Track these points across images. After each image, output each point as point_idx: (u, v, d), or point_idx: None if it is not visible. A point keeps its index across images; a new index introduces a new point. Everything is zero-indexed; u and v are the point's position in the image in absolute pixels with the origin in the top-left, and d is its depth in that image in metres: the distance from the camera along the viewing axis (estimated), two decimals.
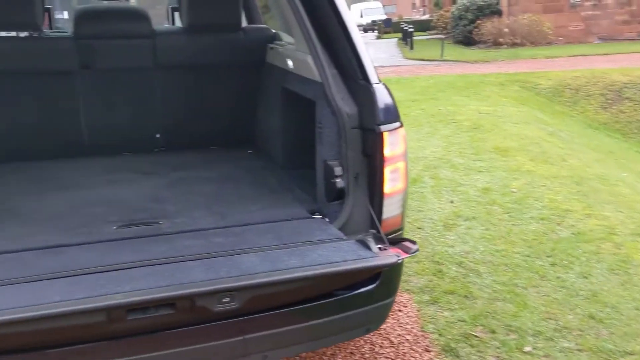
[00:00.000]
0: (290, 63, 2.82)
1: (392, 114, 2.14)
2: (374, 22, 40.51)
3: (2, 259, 1.92)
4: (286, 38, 3.19)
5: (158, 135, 3.42)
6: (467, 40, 20.08)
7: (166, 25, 5.13)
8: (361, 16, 43.83)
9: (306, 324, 1.96)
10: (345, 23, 2.17)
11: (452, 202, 4.78)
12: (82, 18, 3.17)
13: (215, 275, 1.74)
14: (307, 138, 2.51)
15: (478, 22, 19.69)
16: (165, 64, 3.29)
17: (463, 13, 20.58)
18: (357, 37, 2.18)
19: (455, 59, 16.32)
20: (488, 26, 19.01)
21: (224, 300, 1.70)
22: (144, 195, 2.63)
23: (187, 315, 1.72)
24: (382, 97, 2.13)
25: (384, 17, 42.48)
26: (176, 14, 4.06)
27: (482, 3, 20.19)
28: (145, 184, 2.83)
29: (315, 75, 2.31)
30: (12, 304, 1.54)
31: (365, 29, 39.82)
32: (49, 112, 3.16)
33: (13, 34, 3.23)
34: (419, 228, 4.26)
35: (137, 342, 1.75)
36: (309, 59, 2.35)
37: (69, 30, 3.45)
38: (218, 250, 1.96)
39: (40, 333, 1.61)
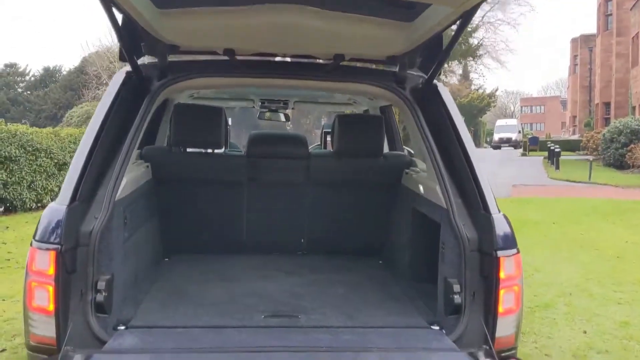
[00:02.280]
0: (421, 188, 3.20)
1: (509, 242, 2.41)
2: (502, 140, 39.69)
3: (175, 332, 2.43)
4: (420, 165, 3.61)
5: (302, 240, 3.94)
6: (619, 164, 19.21)
7: (318, 149, 6.03)
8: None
9: None
10: (471, 160, 2.56)
11: (585, 332, 4.64)
12: (255, 141, 3.90)
13: None
14: (431, 255, 2.82)
15: (632, 146, 18.84)
16: (316, 181, 3.88)
17: (615, 136, 19.89)
18: (481, 172, 2.54)
19: (604, 183, 15.66)
20: None
21: None
22: (286, 291, 3.09)
23: None
24: (501, 226, 2.42)
25: (517, 134, 41.45)
26: (328, 137, 4.76)
27: (636, 127, 19.39)
28: (288, 281, 3.31)
29: (442, 202, 2.66)
30: None
31: (494, 146, 39.11)
32: (221, 213, 3.84)
33: (202, 150, 4.05)
34: (547, 355, 4.20)
35: None
36: (438, 188, 2.72)
37: (242, 150, 4.28)
38: (345, 346, 2.30)
39: None
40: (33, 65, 75.76)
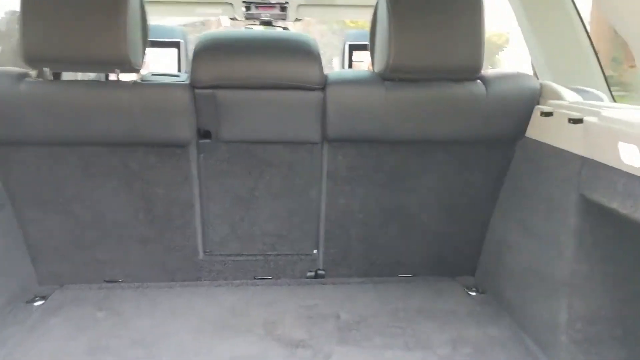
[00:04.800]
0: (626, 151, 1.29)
1: None
2: None
3: None
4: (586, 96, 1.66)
5: (315, 251, 2.10)
6: None
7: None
8: None
9: None
10: None
11: None
12: (207, 53, 1.96)
13: None
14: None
15: None
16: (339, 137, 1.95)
17: None
18: None
19: None
20: None
21: None
22: None
23: None
24: None
25: None
26: (357, 54, 2.73)
27: None
28: None
29: None
30: None
31: None
32: (144, 206, 1.99)
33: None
34: None
35: None
36: None
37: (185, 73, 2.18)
38: None
39: None
40: None
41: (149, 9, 3.52)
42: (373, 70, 1.97)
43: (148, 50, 2.74)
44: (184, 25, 3.85)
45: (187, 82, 1.84)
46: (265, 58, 1.83)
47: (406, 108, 1.87)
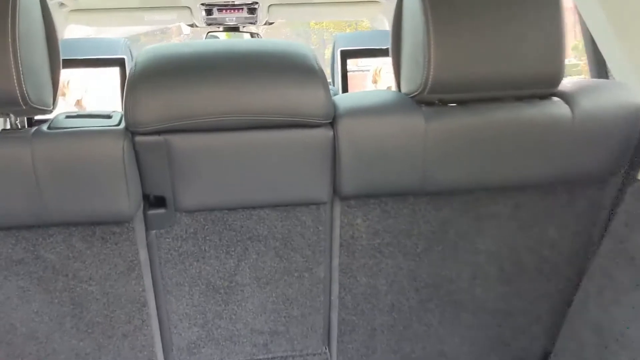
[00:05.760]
0: None
1: None
2: None
3: None
4: None
5: (325, 349, 1.48)
6: None
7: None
8: None
9: None
10: None
11: None
12: (145, 69, 1.31)
13: None
14: None
15: None
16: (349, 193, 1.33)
17: None
18: None
19: None
20: None
21: None
22: None
23: None
24: None
25: None
26: (353, 64, 2.11)
27: None
28: None
29: None
30: None
31: None
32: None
33: None
34: None
35: None
36: None
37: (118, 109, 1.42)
38: None
39: None
40: None
41: (85, 17, 2.83)
42: (399, 90, 1.35)
43: (79, 73, 2.06)
44: (140, 34, 3.17)
45: (122, 125, 1.19)
46: (242, 82, 1.18)
47: (455, 143, 1.26)
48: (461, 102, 1.27)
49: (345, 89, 2.36)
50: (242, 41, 1.31)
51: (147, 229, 1.28)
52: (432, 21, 1.16)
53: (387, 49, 2.24)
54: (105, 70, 2.18)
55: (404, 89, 1.32)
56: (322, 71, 1.22)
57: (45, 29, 1.17)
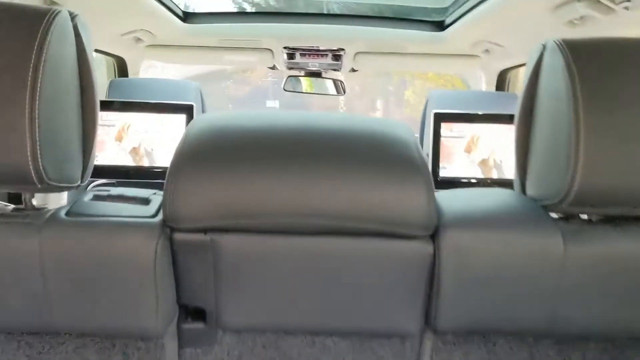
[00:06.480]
0: None
1: None
2: None
3: None
4: None
5: None
6: None
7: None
8: None
9: None
10: None
11: None
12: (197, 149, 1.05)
13: None
14: None
15: None
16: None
17: None
18: None
19: None
20: None
21: None
22: None
23: None
24: None
25: None
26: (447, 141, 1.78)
27: None
28: None
29: None
30: None
31: None
32: None
33: None
34: None
35: None
36: None
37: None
38: None
39: None
40: None
41: (161, 53, 2.66)
42: (522, 191, 1.01)
43: (142, 118, 1.86)
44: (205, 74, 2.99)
45: (160, 217, 0.93)
46: (320, 174, 0.88)
47: (601, 274, 0.90)
48: (610, 219, 0.92)
49: (436, 157, 2.03)
50: (322, 116, 1.01)
51: (180, 346, 1.00)
52: (584, 106, 0.83)
53: (487, 115, 1.85)
54: (170, 117, 1.97)
55: (530, 191, 0.98)
56: (425, 165, 0.90)
57: (81, 84, 0.92)
